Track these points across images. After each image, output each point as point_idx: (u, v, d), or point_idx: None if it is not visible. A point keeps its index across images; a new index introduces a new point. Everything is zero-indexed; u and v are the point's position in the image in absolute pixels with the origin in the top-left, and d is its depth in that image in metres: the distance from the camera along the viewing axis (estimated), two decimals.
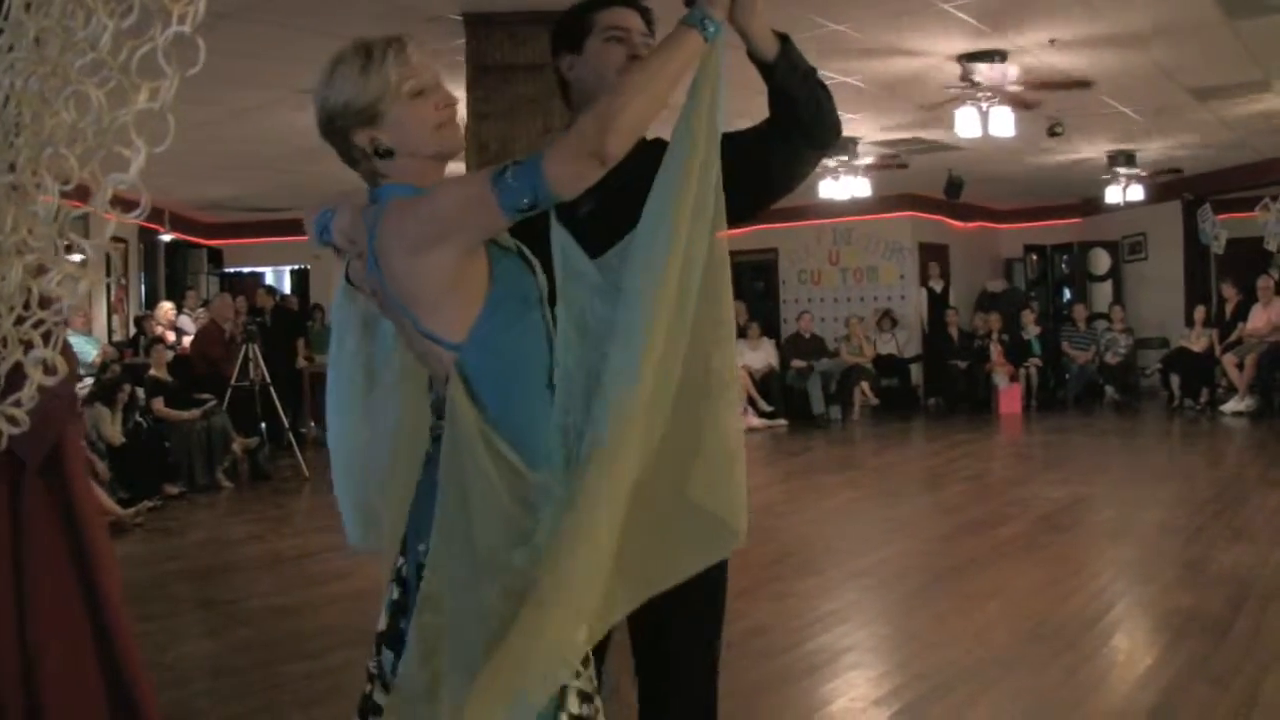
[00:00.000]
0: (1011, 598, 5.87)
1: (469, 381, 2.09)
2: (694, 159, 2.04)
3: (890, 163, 13.03)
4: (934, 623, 5.50)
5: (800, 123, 2.42)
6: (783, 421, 15.00)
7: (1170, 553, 6.84)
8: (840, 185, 13.06)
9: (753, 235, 18.59)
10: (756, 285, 18.53)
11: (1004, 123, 9.32)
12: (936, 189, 15.49)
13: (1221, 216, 16.05)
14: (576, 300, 2.13)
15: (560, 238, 2.15)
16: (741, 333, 16.09)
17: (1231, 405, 14.12)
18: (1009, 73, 8.85)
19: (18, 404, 2.12)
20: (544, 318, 2.16)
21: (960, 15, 7.75)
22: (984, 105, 9.08)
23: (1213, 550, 6.67)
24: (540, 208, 1.98)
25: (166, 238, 15.96)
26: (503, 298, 2.11)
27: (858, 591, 6.33)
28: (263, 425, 11.51)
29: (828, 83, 2.44)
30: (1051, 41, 8.46)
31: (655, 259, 2.02)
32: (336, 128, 2.15)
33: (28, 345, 2.08)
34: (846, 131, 11.85)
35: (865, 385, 15.82)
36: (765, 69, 2.38)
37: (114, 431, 9.47)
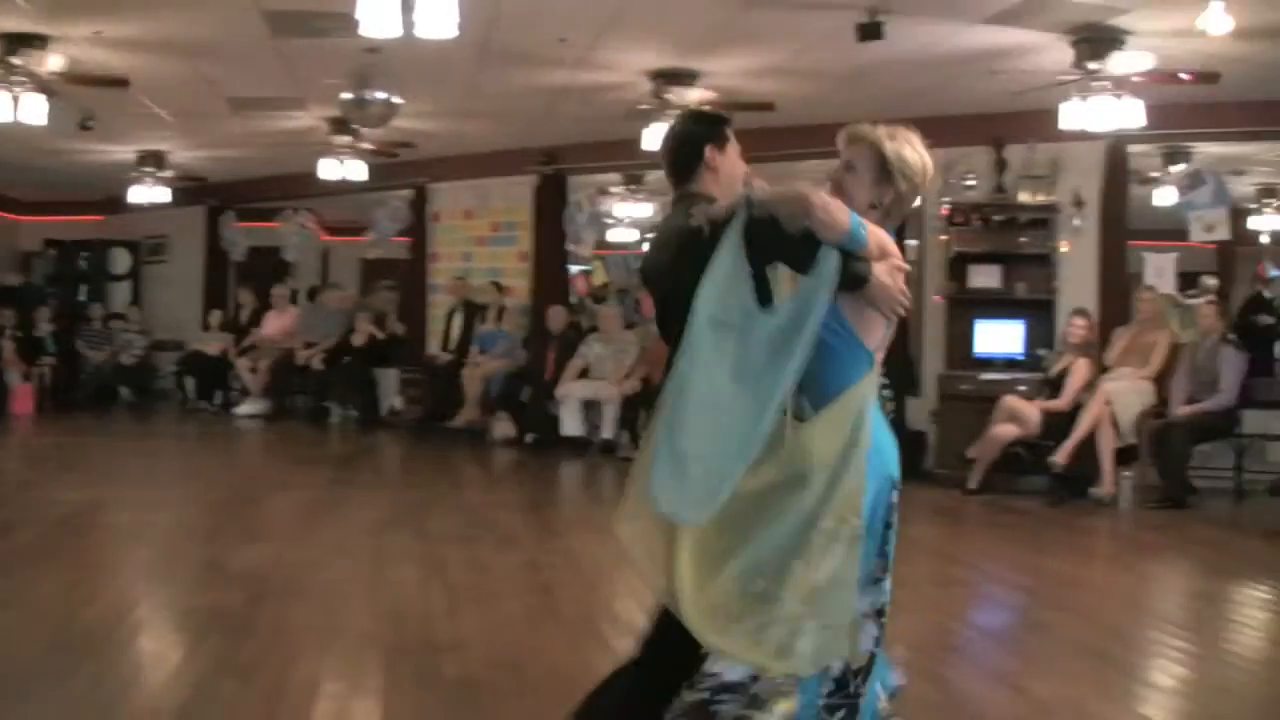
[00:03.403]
0: (29, 606, 5.63)
1: None
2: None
3: None
4: None
5: None
6: None
7: (189, 553, 7.05)
8: None
9: None
10: None
11: (35, 110, 8.91)
12: None
13: (244, 225, 16.74)
14: None
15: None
16: None
17: (245, 408, 14.74)
18: (49, 62, 8.50)
19: None
20: None
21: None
22: (15, 91, 8.61)
23: (230, 549, 6.95)
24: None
25: None
26: None
27: None
28: None
29: None
30: (97, 33, 8.26)
31: None
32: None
33: None
34: None
35: None
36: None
37: None
